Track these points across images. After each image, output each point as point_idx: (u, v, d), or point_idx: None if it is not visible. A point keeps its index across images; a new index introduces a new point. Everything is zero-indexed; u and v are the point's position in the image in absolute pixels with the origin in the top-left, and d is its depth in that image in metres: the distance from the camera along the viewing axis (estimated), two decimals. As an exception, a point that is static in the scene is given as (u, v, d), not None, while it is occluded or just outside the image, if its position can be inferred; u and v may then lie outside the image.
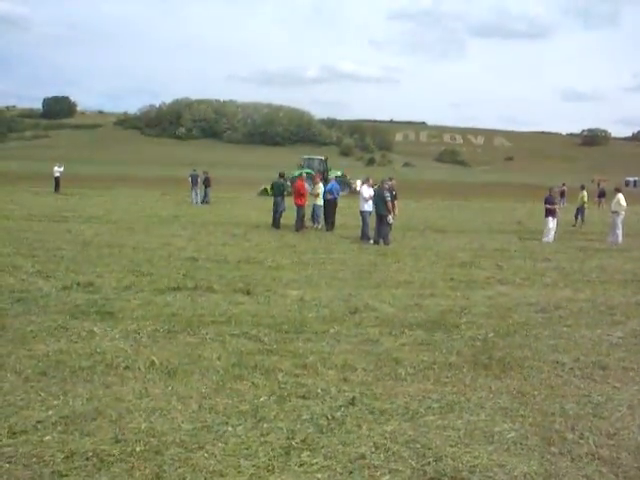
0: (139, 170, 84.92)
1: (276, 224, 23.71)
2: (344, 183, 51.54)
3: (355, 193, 52.17)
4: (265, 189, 45.16)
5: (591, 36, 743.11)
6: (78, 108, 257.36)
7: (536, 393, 6.83)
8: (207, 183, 37.76)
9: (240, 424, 5.70)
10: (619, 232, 23.29)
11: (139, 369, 7.12)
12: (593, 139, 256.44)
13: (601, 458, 5.30)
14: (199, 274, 13.22)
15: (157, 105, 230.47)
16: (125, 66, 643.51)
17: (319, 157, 55.76)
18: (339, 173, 52.63)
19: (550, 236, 22.76)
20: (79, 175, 64.84)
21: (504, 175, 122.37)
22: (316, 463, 5.04)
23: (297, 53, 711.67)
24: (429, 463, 5.08)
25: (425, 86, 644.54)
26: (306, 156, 57.61)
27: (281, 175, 25.01)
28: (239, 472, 4.86)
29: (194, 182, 37.66)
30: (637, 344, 9.02)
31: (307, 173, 48.28)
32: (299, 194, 23.16)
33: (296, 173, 49.01)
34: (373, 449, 5.31)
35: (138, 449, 5.14)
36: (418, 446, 5.37)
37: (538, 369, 7.68)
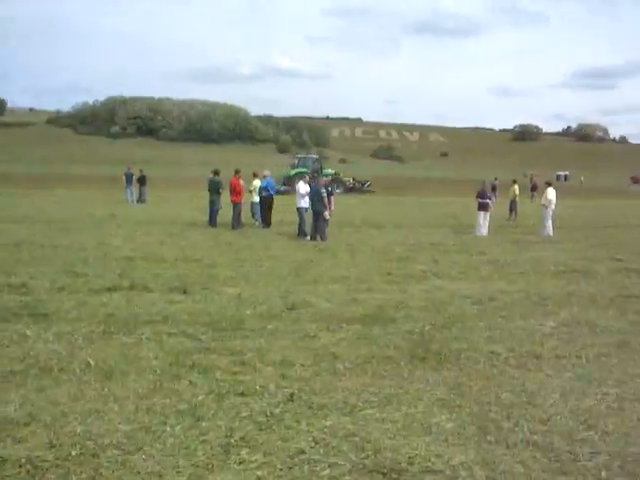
0: (73, 169, 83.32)
1: (213, 222, 23.56)
2: (339, 182, 52.02)
3: (351, 191, 52.68)
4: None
5: (522, 34, 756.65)
6: (8, 106, 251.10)
7: (472, 384, 6.93)
8: (142, 181, 37.31)
9: (178, 424, 5.64)
10: (548, 225, 23.82)
11: (74, 371, 6.98)
12: (525, 135, 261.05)
13: (535, 444, 5.41)
14: (135, 273, 13.05)
15: (90, 103, 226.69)
16: (57, 63, 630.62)
17: (313, 156, 56.68)
18: (332, 172, 53.40)
19: (483, 230, 23.15)
20: (9, 174, 63.39)
21: (439, 170, 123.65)
22: (255, 460, 5.02)
23: (232, 49, 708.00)
24: (368, 456, 5.11)
25: (361, 82, 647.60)
26: (300, 155, 58.32)
27: (216, 172, 24.81)
28: (178, 472, 4.81)
29: (129, 181, 37.17)
30: (569, 333, 9.24)
31: (302, 172, 49.07)
32: (235, 191, 23.05)
33: (292, 172, 49.45)
34: (312, 444, 5.31)
35: (74, 453, 5.04)
36: (357, 439, 5.40)
37: (474, 360, 7.80)
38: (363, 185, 55.87)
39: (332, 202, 20.73)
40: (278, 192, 45.65)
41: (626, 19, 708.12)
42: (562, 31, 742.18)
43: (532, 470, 4.97)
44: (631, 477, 4.92)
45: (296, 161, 54.39)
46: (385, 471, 4.90)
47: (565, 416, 6.06)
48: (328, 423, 5.73)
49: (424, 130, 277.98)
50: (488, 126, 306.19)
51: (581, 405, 6.37)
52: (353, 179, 56.97)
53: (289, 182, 47.01)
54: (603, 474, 4.94)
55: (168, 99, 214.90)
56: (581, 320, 9.97)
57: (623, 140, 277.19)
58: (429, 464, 5.00)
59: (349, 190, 53.45)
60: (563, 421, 5.94)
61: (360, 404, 6.23)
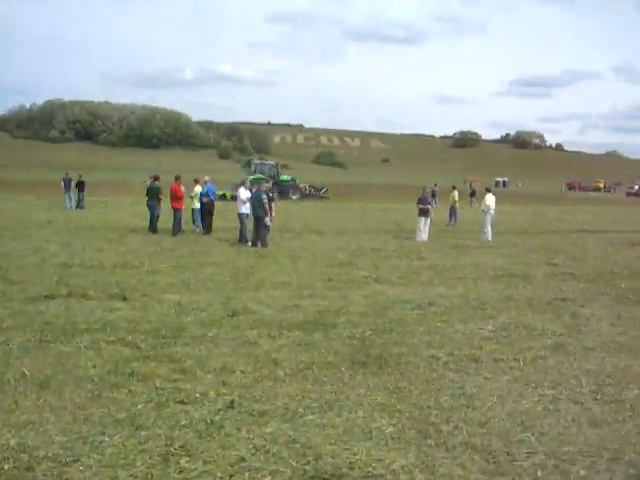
0: (9, 174, 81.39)
1: (153, 228, 23.30)
2: (295, 188, 52.75)
3: (307, 197, 52.90)
4: (224, 194, 45.69)
5: (463, 43, 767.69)
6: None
7: (412, 388, 6.99)
8: (81, 187, 36.70)
9: (117, 433, 5.55)
10: (487, 230, 24.21)
11: (9, 382, 6.81)
12: (465, 141, 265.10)
13: (474, 446, 5.49)
14: (73, 280, 12.82)
15: (27, 106, 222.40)
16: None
17: (270, 162, 57.15)
18: (289, 178, 54.30)
19: (424, 235, 23.39)
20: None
21: (381, 177, 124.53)
22: (195, 469, 4.98)
23: (174, 54, 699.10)
24: (309, 462, 5.11)
25: (302, 89, 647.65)
26: (257, 161, 58.64)
27: (156, 178, 24.55)
28: (116, 483, 4.75)
29: (67, 186, 36.48)
30: (507, 336, 9.40)
31: (260, 178, 49.51)
32: (176, 197, 22.85)
33: (250, 178, 49.45)
34: (253, 451, 5.29)
35: (7, 467, 4.91)
36: (298, 446, 5.40)
37: (414, 364, 7.87)
38: (319, 191, 56.08)
39: (273, 208, 20.69)
40: (233, 198, 46.25)
41: (562, 30, 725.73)
42: (501, 41, 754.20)
43: (471, 472, 5.04)
44: (565, 475, 5.03)
45: (253, 167, 54.23)
46: (326, 477, 4.91)
47: (503, 418, 6.16)
48: (269, 430, 5.71)
49: (365, 136, 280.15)
50: (429, 133, 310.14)
51: (518, 407, 6.49)
52: (309, 185, 57.16)
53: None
54: (539, 473, 5.05)
55: (108, 103, 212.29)
56: (519, 323, 10.16)
57: (559, 147, 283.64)
58: (370, 469, 5.03)
59: (305, 196, 53.59)
60: (501, 423, 6.04)
61: (301, 410, 6.23)
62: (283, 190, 51.21)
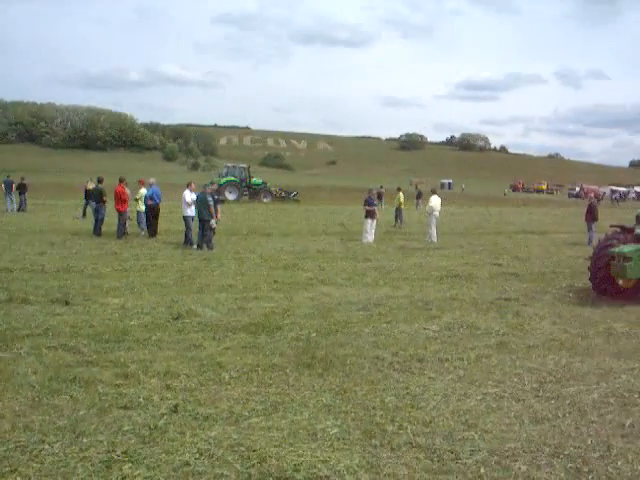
0: (-54, 178, 79.63)
1: (97, 231, 22.96)
2: (266, 191, 53.72)
3: (281, 199, 53.20)
4: None
5: (410, 46, 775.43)
6: None
7: (357, 389, 7.02)
8: (23, 189, 35.97)
9: (57, 441, 5.45)
10: (432, 231, 24.42)
11: (-55, 389, 6.65)
12: (411, 144, 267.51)
13: (418, 445, 5.54)
14: (14, 285, 12.56)
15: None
16: None
17: (242, 165, 57.18)
18: (260, 181, 54.67)
19: (370, 237, 23.49)
20: None
21: (327, 178, 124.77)
22: (139, 475, 4.92)
23: (119, 55, 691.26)
24: (254, 465, 5.09)
25: (249, 91, 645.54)
26: (229, 164, 59.20)
27: (99, 181, 24.21)
28: (56, 492, 4.65)
29: (8, 189, 35.71)
30: (451, 336, 9.51)
31: (231, 181, 51.49)
32: (120, 200, 22.54)
33: (222, 181, 50.70)
34: (197, 455, 5.25)
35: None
36: (242, 449, 5.37)
37: (359, 365, 7.90)
38: (289, 195, 56.26)
39: (219, 210, 20.56)
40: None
41: (507, 36, 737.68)
42: (447, 45, 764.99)
43: (415, 471, 5.08)
44: (507, 471, 5.11)
45: (225, 170, 55.00)
46: (271, 479, 4.89)
47: (447, 417, 6.22)
48: (213, 433, 5.67)
49: (312, 139, 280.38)
50: (375, 135, 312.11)
51: (462, 406, 6.56)
52: (280, 189, 57.28)
53: (220, 191, 47.68)
54: (482, 470, 5.11)
55: (51, 104, 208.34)
56: (463, 323, 10.28)
57: (503, 149, 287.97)
58: (315, 470, 5.02)
59: (276, 199, 53.81)
60: (445, 422, 6.10)
61: (246, 413, 6.20)
62: (255, 193, 52.36)
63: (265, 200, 51.98)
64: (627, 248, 12.68)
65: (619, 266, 12.55)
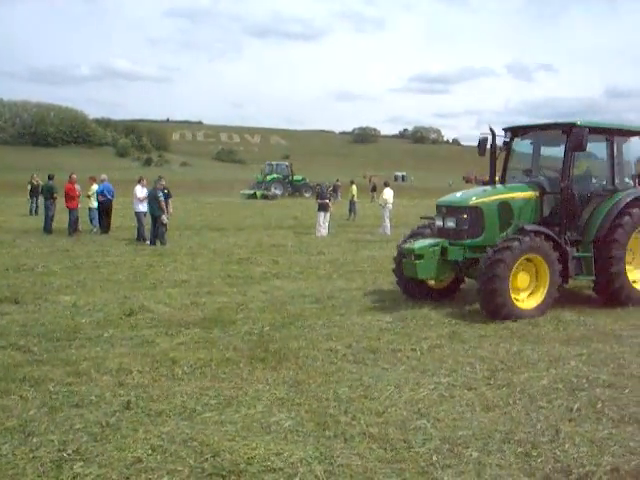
0: None
1: (48, 229, 22.64)
2: (307, 186, 57.21)
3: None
4: (255, 193, 51.75)
5: (363, 40, 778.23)
6: None
7: (311, 381, 7.03)
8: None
9: (6, 442, 5.34)
10: (385, 224, 24.58)
11: None
12: (364, 137, 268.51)
13: (371, 436, 5.56)
14: (-40, 285, 12.32)
15: None
16: None
17: (285, 163, 61.49)
18: (301, 177, 58.77)
19: (323, 230, 23.56)
20: None
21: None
22: (90, 473, 4.85)
23: (69, 50, 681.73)
24: (207, 459, 5.07)
25: (202, 85, 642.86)
26: (272, 162, 61.35)
27: (50, 177, 23.88)
28: (4, 494, 4.58)
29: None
30: (405, 327, 9.57)
31: (275, 178, 55.49)
32: (70, 197, 22.25)
33: (268, 178, 55.51)
34: (150, 451, 5.20)
35: None
36: (196, 444, 5.33)
37: (313, 358, 7.91)
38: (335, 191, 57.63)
39: (170, 206, 20.42)
40: (265, 197, 50.02)
41: (459, 29, 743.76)
42: (400, 38, 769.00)
43: (369, 461, 5.10)
44: (459, 458, 5.16)
45: (268, 168, 57.69)
46: (224, 473, 4.87)
47: (400, 407, 6.26)
48: (166, 429, 5.63)
49: (265, 133, 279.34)
50: (329, 129, 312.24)
51: (415, 395, 6.60)
52: (317, 184, 58.42)
53: (267, 187, 53.74)
54: (434, 458, 5.15)
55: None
56: (416, 314, 10.33)
57: (456, 142, 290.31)
58: (268, 463, 5.01)
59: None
60: (398, 412, 6.14)
61: (199, 408, 6.17)
62: (296, 188, 56.76)
63: (307, 195, 54.84)
64: (418, 244, 10.97)
65: (410, 264, 10.85)
